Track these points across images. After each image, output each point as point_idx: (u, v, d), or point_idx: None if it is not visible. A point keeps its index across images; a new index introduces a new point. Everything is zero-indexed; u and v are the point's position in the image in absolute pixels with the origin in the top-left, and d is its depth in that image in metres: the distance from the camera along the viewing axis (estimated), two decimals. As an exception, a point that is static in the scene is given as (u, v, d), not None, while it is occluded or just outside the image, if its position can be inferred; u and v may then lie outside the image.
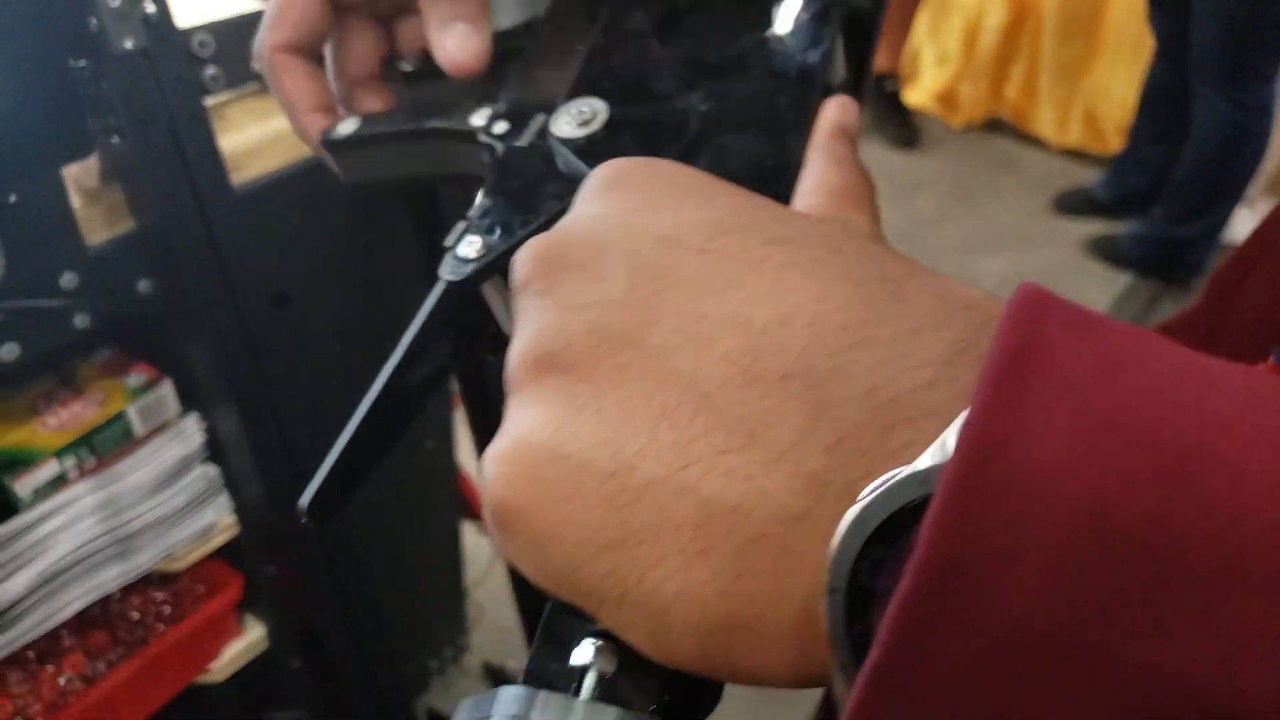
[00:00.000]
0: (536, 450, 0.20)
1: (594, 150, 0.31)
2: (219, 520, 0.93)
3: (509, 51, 0.37)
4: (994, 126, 3.02)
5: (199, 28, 0.77)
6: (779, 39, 0.35)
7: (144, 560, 0.90)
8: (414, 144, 0.37)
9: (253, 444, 0.83)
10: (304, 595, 0.90)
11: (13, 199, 0.68)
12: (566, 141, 0.31)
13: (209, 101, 0.77)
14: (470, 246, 0.30)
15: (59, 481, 0.83)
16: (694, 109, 0.32)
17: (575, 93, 0.33)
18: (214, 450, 0.90)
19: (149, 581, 0.99)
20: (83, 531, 0.85)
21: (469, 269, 0.30)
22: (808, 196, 0.27)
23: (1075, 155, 2.91)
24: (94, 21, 0.67)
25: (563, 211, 0.26)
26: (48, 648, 0.95)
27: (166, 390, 0.86)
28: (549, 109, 0.33)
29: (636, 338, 0.21)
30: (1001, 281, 2.37)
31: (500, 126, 0.34)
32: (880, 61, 2.85)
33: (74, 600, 0.88)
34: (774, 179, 0.29)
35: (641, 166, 0.25)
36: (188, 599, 0.99)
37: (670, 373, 0.20)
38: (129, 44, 0.68)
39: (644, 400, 0.20)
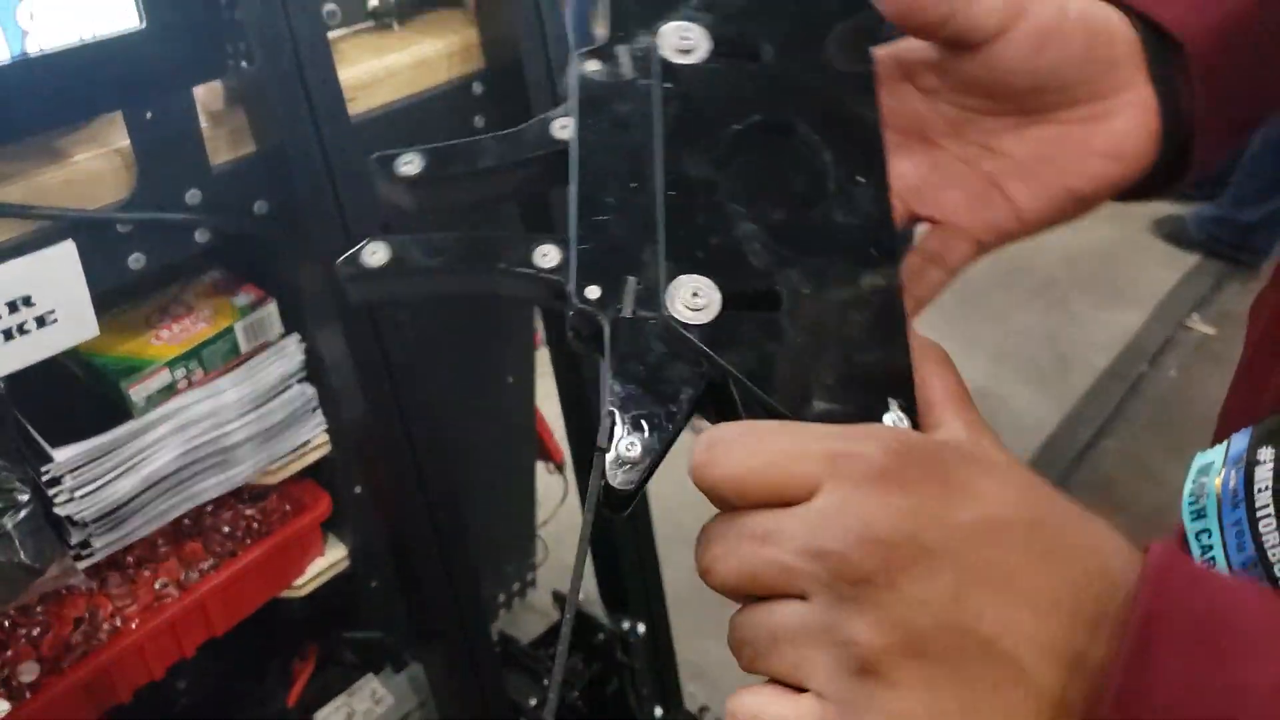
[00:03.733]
0: None
1: (718, 338, 0.32)
2: (313, 438, 0.98)
3: (543, 167, 0.36)
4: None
5: (320, -37, 0.81)
6: (845, 191, 0.34)
7: (241, 472, 0.95)
8: (447, 278, 0.35)
9: (356, 363, 0.87)
10: (395, 512, 0.95)
11: (149, 115, 0.73)
12: (688, 326, 0.32)
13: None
14: (631, 449, 0.30)
15: (169, 391, 0.88)
16: (799, 292, 0.32)
17: (674, 265, 0.33)
18: (311, 370, 0.94)
19: (240, 498, 1.04)
20: (188, 440, 0.90)
21: (637, 476, 0.30)
22: (941, 407, 0.32)
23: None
24: (231, -49, 0.71)
25: (696, 397, 0.31)
26: (145, 554, 1.00)
27: (271, 310, 0.91)
28: (635, 269, 0.33)
29: (973, 627, 0.27)
30: (1066, 258, 2.36)
31: (593, 291, 0.32)
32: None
33: (176, 506, 0.93)
34: (874, 371, 0.32)
35: (922, 455, 0.29)
36: (275, 516, 1.05)
37: (1001, 659, 0.27)
38: (262, -27, 0.73)
39: (988, 691, 0.27)
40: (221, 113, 0.79)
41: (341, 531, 1.09)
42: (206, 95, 0.79)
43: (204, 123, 0.77)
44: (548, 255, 0.34)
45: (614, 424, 0.31)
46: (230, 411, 0.92)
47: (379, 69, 0.85)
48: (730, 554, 0.29)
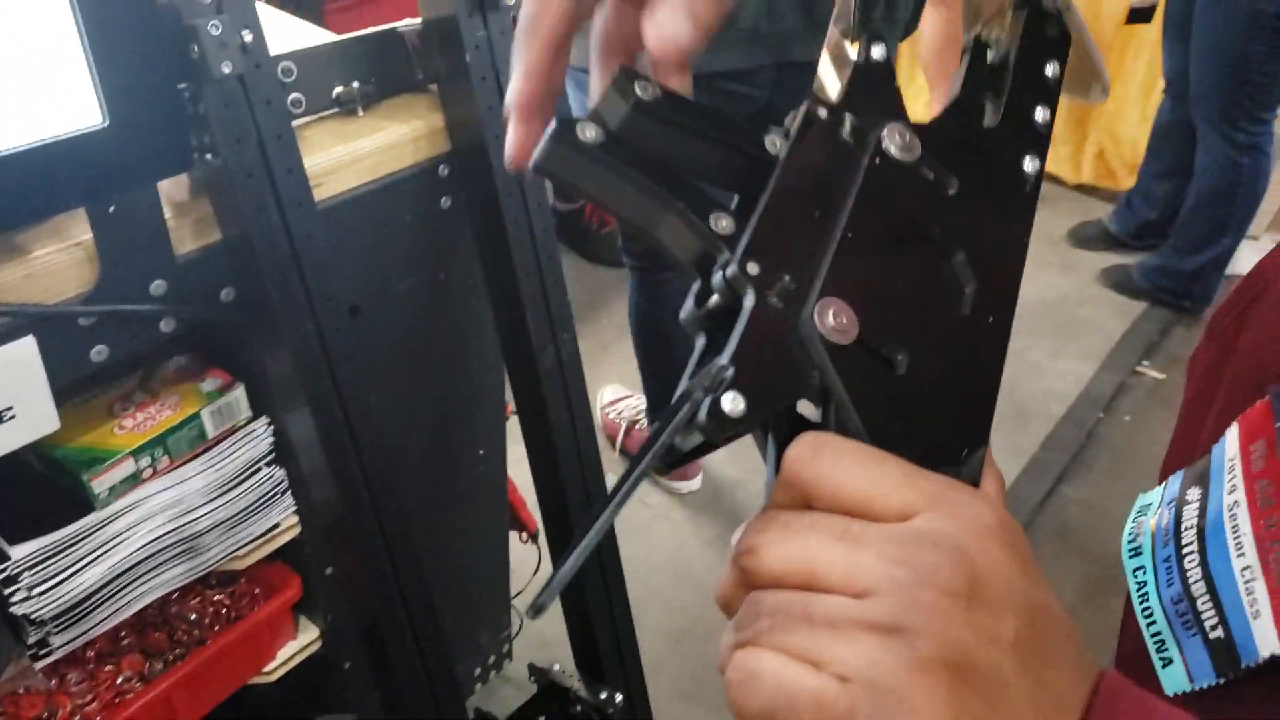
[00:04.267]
0: None
1: (841, 360, 0.34)
2: (282, 521, 0.96)
3: (738, 163, 0.39)
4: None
5: (283, 56, 0.82)
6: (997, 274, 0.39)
7: (209, 558, 0.94)
8: (632, 191, 0.37)
9: (325, 446, 0.87)
10: (367, 593, 0.94)
11: (112, 209, 0.73)
12: (825, 341, 0.34)
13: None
14: (736, 404, 0.32)
15: (133, 480, 0.87)
16: (914, 372, 0.36)
17: (830, 285, 0.35)
18: (280, 452, 0.93)
19: (207, 583, 1.02)
20: (153, 529, 0.89)
21: (726, 432, 0.32)
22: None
23: (1090, 190, 2.97)
24: (196, 49, 0.72)
25: (793, 404, 0.34)
26: (106, 647, 0.98)
27: (239, 394, 0.90)
28: (794, 272, 0.35)
29: (1013, 683, 0.29)
30: (1022, 308, 2.40)
31: (753, 268, 0.35)
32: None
33: (140, 597, 0.91)
34: (952, 467, 0.35)
35: (1018, 535, 0.32)
36: (245, 600, 1.03)
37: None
38: (226, 69, 0.73)
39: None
40: (186, 203, 0.79)
41: (313, 613, 1.08)
42: (171, 186, 0.79)
43: (168, 213, 0.77)
44: (723, 222, 0.37)
45: (725, 380, 0.32)
46: (197, 498, 0.91)
47: (344, 155, 0.86)
48: (789, 540, 0.31)
